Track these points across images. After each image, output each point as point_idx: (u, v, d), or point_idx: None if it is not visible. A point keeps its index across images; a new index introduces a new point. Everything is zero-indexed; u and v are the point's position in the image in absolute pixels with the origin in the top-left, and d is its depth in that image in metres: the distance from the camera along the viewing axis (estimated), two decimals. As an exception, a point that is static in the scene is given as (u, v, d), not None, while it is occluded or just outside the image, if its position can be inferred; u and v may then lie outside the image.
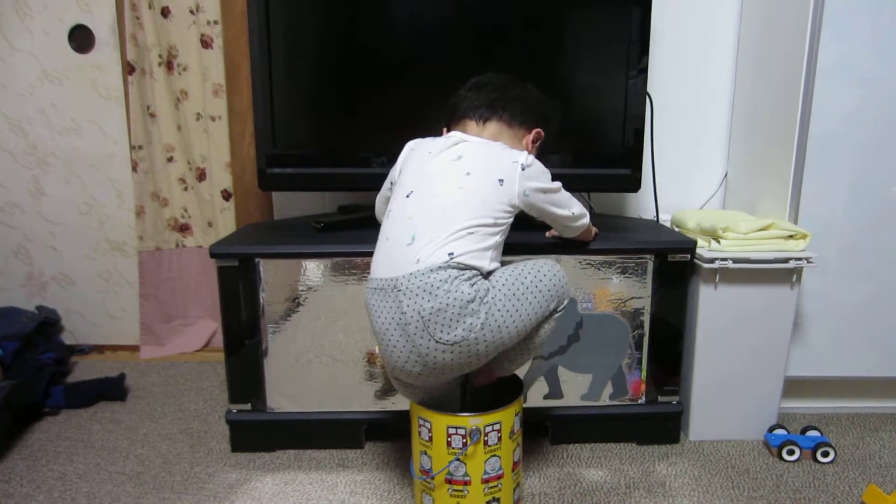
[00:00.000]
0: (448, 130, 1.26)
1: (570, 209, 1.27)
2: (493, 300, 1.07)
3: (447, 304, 1.04)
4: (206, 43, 1.98)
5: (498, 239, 1.13)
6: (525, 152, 1.18)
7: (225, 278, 1.44)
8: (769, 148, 1.66)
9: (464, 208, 1.11)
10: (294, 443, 1.53)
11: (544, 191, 1.19)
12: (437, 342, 1.05)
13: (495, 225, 1.12)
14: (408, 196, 1.15)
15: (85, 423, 1.68)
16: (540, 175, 1.18)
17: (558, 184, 1.22)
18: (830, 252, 1.56)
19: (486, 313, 1.06)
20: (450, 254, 1.06)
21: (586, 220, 1.33)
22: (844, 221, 1.55)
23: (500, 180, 1.13)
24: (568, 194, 1.26)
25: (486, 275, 1.10)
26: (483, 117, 1.23)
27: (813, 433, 1.53)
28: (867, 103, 1.49)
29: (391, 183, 1.27)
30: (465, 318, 1.05)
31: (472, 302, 1.05)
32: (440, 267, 1.05)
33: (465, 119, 1.24)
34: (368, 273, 1.40)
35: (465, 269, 1.07)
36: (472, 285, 1.06)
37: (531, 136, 1.27)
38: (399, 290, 1.07)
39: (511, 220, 1.17)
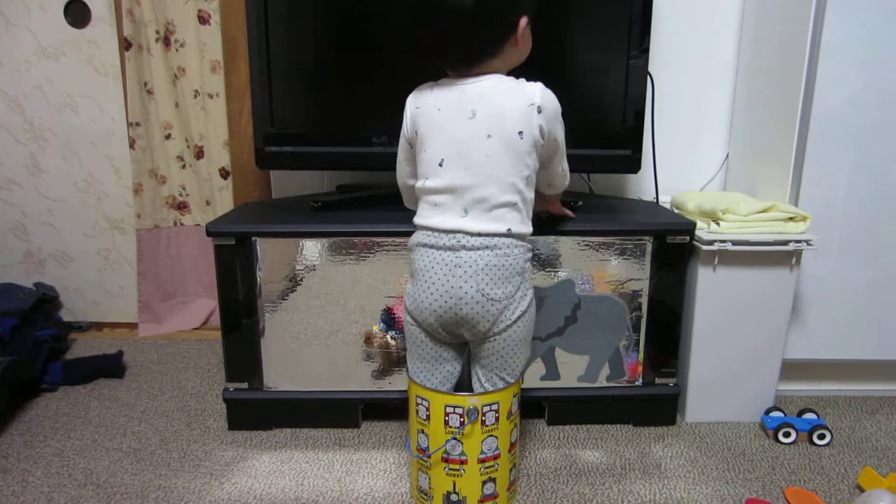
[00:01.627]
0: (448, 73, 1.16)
1: (564, 158, 1.24)
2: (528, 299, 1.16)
3: (504, 264, 1.09)
4: (203, 19, 1.96)
5: (532, 195, 1.14)
6: (537, 87, 1.10)
7: (222, 257, 1.43)
8: (771, 130, 1.65)
9: (497, 181, 1.09)
10: (291, 421, 1.54)
11: (558, 135, 1.15)
12: (479, 292, 1.09)
13: (528, 182, 1.12)
14: (441, 165, 1.11)
15: (83, 400, 1.69)
16: (557, 114, 1.13)
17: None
18: (831, 235, 1.55)
19: (522, 297, 1.14)
20: (508, 229, 1.10)
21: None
22: (845, 204, 1.54)
23: (520, 132, 1.09)
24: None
25: (529, 238, 1.15)
26: (468, 62, 1.11)
27: (809, 416, 1.53)
28: (871, 85, 1.48)
29: (409, 145, 1.20)
30: (512, 278, 1.11)
31: (522, 274, 1.13)
32: (500, 234, 1.10)
33: (455, 67, 1.14)
34: (365, 252, 1.39)
35: (521, 241, 1.13)
36: (525, 260, 1.14)
37: (519, 33, 1.10)
38: (459, 241, 1.10)
39: (537, 167, 1.15)
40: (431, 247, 1.12)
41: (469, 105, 1.10)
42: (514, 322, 1.13)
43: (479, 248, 1.09)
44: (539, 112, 1.08)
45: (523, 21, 1.09)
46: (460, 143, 1.10)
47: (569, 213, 1.43)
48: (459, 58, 1.11)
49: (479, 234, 1.09)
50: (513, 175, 1.09)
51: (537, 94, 1.09)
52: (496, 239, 1.09)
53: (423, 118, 1.14)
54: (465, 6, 1.04)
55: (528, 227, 1.14)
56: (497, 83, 1.11)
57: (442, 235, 1.11)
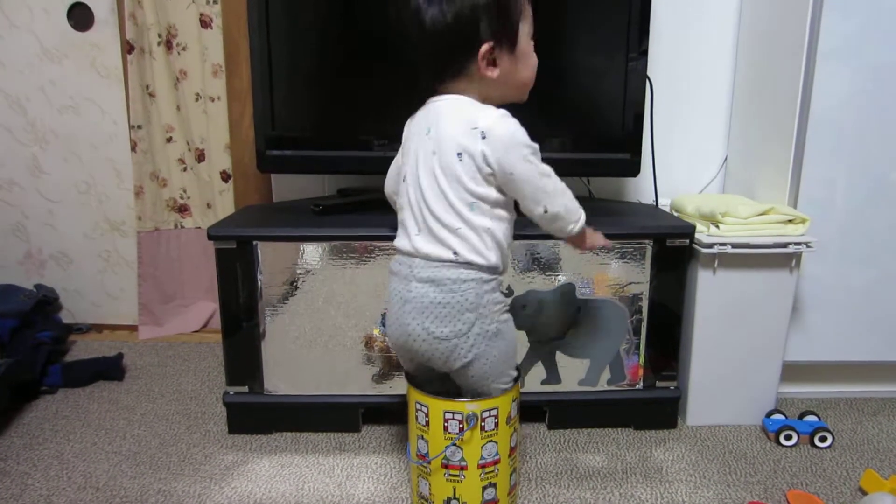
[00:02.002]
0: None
1: (550, 199, 1.07)
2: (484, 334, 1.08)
3: (449, 301, 1.05)
4: (205, 22, 1.96)
5: (488, 223, 1.05)
6: (488, 109, 1.04)
7: (223, 260, 1.43)
8: (769, 132, 1.65)
9: (441, 199, 1.04)
10: (291, 425, 1.53)
11: (515, 168, 1.02)
12: (425, 330, 1.06)
13: (476, 209, 1.04)
14: (404, 180, 1.11)
15: (82, 403, 1.69)
16: (510, 145, 1.02)
17: (536, 155, 1.05)
18: (830, 237, 1.55)
19: (479, 335, 1.07)
20: (454, 253, 1.04)
21: (575, 216, 1.11)
22: (844, 206, 1.54)
23: (458, 154, 1.02)
24: (551, 180, 1.07)
25: (490, 269, 1.06)
26: (431, 79, 1.08)
27: (811, 418, 1.53)
28: (868, 87, 1.48)
29: (402, 155, 1.18)
30: (461, 315, 1.06)
31: (475, 311, 1.06)
32: (446, 263, 1.05)
33: (425, 84, 1.10)
34: (366, 256, 1.39)
35: (474, 271, 1.05)
36: (477, 294, 1.05)
37: (479, 58, 1.03)
38: (412, 269, 1.07)
39: (500, 195, 1.06)
40: (394, 274, 1.12)
41: (427, 122, 1.08)
42: (471, 362, 1.08)
43: (425, 282, 1.05)
44: (483, 137, 1.01)
45: (483, 48, 1.02)
46: (417, 159, 1.08)
47: (601, 242, 1.20)
48: (424, 75, 1.08)
49: (427, 258, 1.05)
50: (454, 198, 1.03)
51: (485, 118, 1.02)
52: (443, 269, 1.04)
53: (407, 132, 1.15)
54: (425, 27, 1.01)
55: (483, 258, 1.05)
56: (456, 103, 1.07)
57: (402, 260, 1.10)
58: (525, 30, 1.06)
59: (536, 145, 1.05)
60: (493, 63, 1.04)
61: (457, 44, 1.02)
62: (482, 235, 1.05)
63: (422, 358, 1.11)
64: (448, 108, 1.07)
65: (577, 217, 1.11)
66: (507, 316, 1.13)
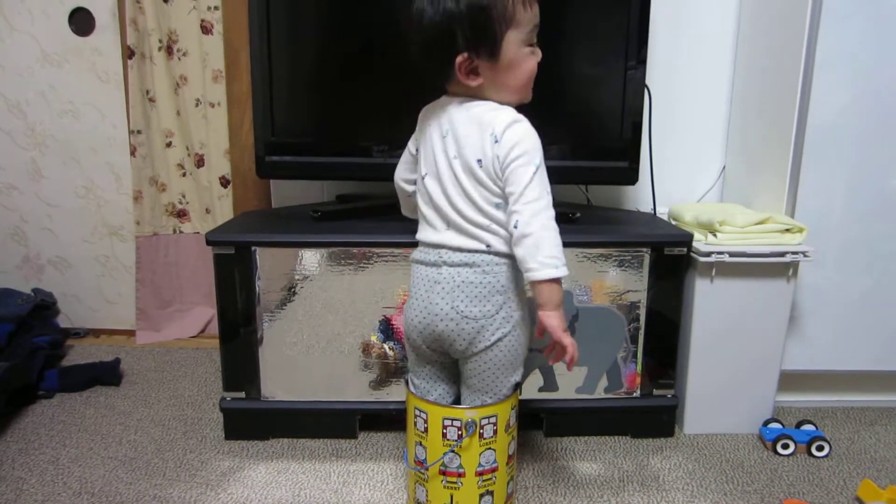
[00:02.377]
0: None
1: (533, 197, 1.02)
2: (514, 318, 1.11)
3: (482, 282, 1.07)
4: (206, 28, 1.97)
5: (499, 221, 1.08)
6: (502, 113, 1.05)
7: (221, 266, 1.43)
8: (767, 141, 1.66)
9: (467, 201, 1.07)
10: (288, 431, 1.53)
11: (515, 171, 1.03)
12: (454, 309, 1.08)
13: (504, 208, 1.06)
14: (423, 178, 1.12)
15: (79, 408, 1.68)
16: (514, 142, 1.03)
17: (534, 158, 1.03)
18: (827, 246, 1.55)
19: (505, 318, 1.09)
20: (487, 246, 1.07)
21: (547, 253, 1.01)
22: (842, 215, 1.55)
23: (479, 160, 1.05)
24: (542, 180, 1.04)
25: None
26: (434, 82, 1.10)
27: (808, 427, 1.53)
28: (866, 96, 1.49)
29: (416, 149, 1.19)
30: (492, 297, 1.08)
31: (504, 293, 1.08)
32: (480, 251, 1.07)
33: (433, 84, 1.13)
34: (364, 262, 1.39)
35: (505, 259, 1.08)
36: (509, 278, 1.09)
37: (455, 68, 1.04)
38: (441, 256, 1.09)
39: None
40: (420, 262, 1.13)
41: (440, 124, 1.10)
42: (494, 344, 1.10)
43: (458, 265, 1.07)
44: (496, 142, 1.03)
45: (458, 59, 1.02)
46: (437, 159, 1.10)
47: (566, 339, 1.06)
48: (426, 77, 1.10)
49: (460, 250, 1.08)
50: (479, 200, 1.06)
51: (500, 123, 1.04)
52: (476, 256, 1.07)
53: (421, 128, 1.17)
54: (413, 35, 1.05)
55: (506, 247, 1.07)
56: (468, 107, 1.08)
57: (429, 251, 1.11)
58: (514, 38, 1.03)
59: (540, 154, 1.04)
60: (474, 72, 1.05)
61: (435, 54, 1.05)
62: (500, 234, 1.08)
63: (445, 341, 1.11)
64: (461, 114, 1.08)
65: (548, 255, 1.01)
66: (527, 312, 1.14)
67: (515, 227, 1.02)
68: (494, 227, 1.07)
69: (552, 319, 1.05)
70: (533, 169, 1.03)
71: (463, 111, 1.08)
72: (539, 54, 1.08)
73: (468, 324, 1.08)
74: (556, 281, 1.03)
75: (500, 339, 1.10)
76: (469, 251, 1.07)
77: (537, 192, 1.02)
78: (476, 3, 1.00)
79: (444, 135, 1.09)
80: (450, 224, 1.09)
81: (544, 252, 1.01)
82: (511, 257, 1.07)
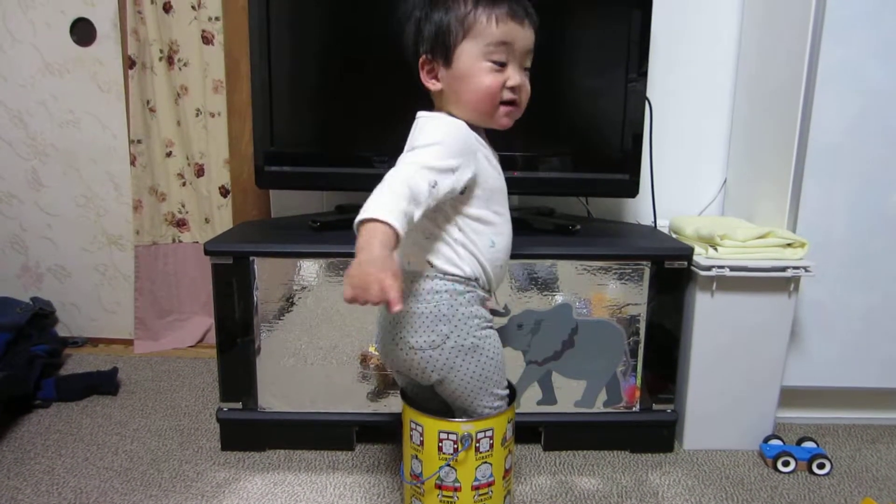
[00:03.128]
0: None
1: (410, 159, 0.95)
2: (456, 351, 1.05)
3: (423, 311, 1.03)
4: (206, 39, 1.98)
5: (456, 233, 1.03)
6: (428, 117, 1.04)
7: (219, 276, 1.43)
8: (769, 155, 1.65)
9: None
10: (285, 443, 1.52)
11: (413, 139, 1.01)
12: (402, 339, 1.04)
13: (444, 215, 1.02)
14: None
15: (75, 417, 1.67)
16: (421, 128, 1.02)
17: (425, 142, 0.97)
18: (829, 261, 1.54)
19: (454, 350, 1.05)
20: (431, 264, 1.03)
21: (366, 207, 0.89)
22: (843, 230, 1.54)
23: None
24: (423, 154, 0.95)
25: (465, 280, 1.04)
26: (420, 84, 1.07)
27: (809, 444, 1.52)
28: (868, 111, 1.48)
29: None
30: (435, 326, 1.03)
31: (450, 322, 1.04)
32: (421, 273, 1.04)
33: None
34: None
35: (445, 278, 1.04)
36: (450, 306, 1.04)
37: (421, 71, 1.05)
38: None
39: (462, 203, 1.02)
40: None
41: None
42: (447, 377, 1.06)
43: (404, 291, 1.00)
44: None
45: (421, 59, 1.03)
46: None
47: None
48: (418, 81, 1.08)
49: (407, 268, 1.04)
50: None
51: (419, 118, 1.05)
52: (419, 279, 1.03)
53: None
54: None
55: (457, 268, 1.03)
56: (425, 114, 1.06)
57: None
58: (471, 48, 0.99)
59: (442, 141, 0.97)
60: (434, 76, 1.04)
61: (409, 51, 1.06)
62: (453, 245, 1.04)
63: (403, 369, 1.09)
64: (416, 123, 1.05)
65: (371, 199, 0.89)
66: (489, 332, 1.09)
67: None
68: (434, 239, 1.03)
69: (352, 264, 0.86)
70: (417, 152, 0.96)
71: (417, 119, 1.05)
72: (510, 76, 1.00)
73: (416, 354, 1.05)
74: (365, 222, 0.87)
75: (452, 371, 1.06)
76: (413, 271, 1.04)
77: (417, 157, 0.95)
78: (438, 4, 1.01)
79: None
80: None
81: (372, 196, 0.90)
82: (455, 279, 1.04)
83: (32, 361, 1.77)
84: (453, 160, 0.97)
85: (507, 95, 1.02)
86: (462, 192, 1.01)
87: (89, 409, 1.72)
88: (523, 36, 1.01)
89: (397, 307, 0.84)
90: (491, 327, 1.10)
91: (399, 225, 0.86)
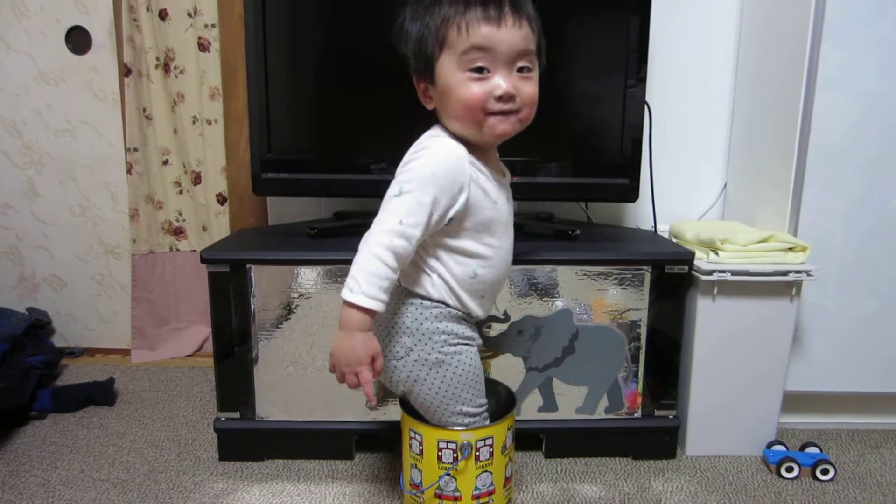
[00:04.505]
0: None
1: (381, 219, 0.95)
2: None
3: (389, 321, 1.04)
4: (203, 46, 1.97)
5: (434, 262, 1.02)
6: (429, 139, 1.01)
7: (216, 284, 1.41)
8: (769, 159, 1.65)
9: None
10: (283, 453, 1.50)
11: (396, 175, 0.98)
12: (383, 348, 1.04)
13: (424, 247, 1.02)
14: None
15: (71, 428, 1.65)
16: (406, 162, 0.98)
17: (405, 185, 0.94)
18: (831, 265, 1.53)
19: (417, 364, 1.04)
20: (399, 281, 1.04)
21: (353, 275, 0.93)
22: (845, 234, 1.53)
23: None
24: (401, 206, 0.93)
25: (434, 300, 1.03)
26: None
27: (812, 450, 1.51)
28: (868, 115, 1.48)
29: None
30: (398, 337, 1.04)
31: (412, 335, 1.03)
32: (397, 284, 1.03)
33: None
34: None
35: (411, 294, 1.04)
36: (414, 320, 1.03)
37: (417, 89, 1.04)
38: None
39: (445, 235, 1.01)
40: None
41: None
42: (413, 389, 1.06)
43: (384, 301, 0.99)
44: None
45: (414, 80, 1.03)
46: None
47: (330, 363, 1.01)
48: None
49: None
50: None
51: (414, 145, 1.01)
52: (397, 294, 1.04)
53: None
54: None
55: (424, 290, 1.03)
56: (423, 137, 1.04)
57: None
58: (448, 61, 0.95)
59: (422, 187, 0.94)
60: (428, 94, 1.02)
61: (410, 72, 1.03)
62: (427, 272, 1.03)
63: (384, 378, 1.09)
64: (417, 143, 1.03)
65: (353, 274, 0.93)
66: (461, 349, 1.06)
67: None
68: (419, 264, 1.03)
69: (336, 339, 0.96)
70: (396, 191, 0.95)
71: (419, 141, 1.03)
72: (497, 85, 0.94)
73: (388, 362, 1.05)
74: (349, 305, 0.93)
75: (415, 384, 1.06)
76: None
77: (388, 217, 0.94)
78: (413, 24, 0.98)
79: None
80: None
81: (352, 270, 0.94)
82: (421, 297, 1.03)
83: (28, 372, 1.75)
84: (433, 200, 0.94)
85: (495, 107, 0.95)
86: (449, 223, 0.99)
87: (86, 420, 1.71)
88: (506, 37, 0.92)
89: (372, 402, 0.89)
90: (467, 345, 1.07)
91: (378, 305, 0.93)
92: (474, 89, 0.94)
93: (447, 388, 1.06)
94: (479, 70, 0.94)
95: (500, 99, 0.95)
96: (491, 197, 1.02)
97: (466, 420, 1.09)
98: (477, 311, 1.08)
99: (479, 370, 1.10)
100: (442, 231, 1.00)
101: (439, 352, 1.04)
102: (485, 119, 0.96)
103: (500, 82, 0.94)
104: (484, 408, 1.12)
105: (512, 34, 0.93)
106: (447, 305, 1.04)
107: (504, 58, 0.94)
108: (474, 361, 1.08)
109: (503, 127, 0.97)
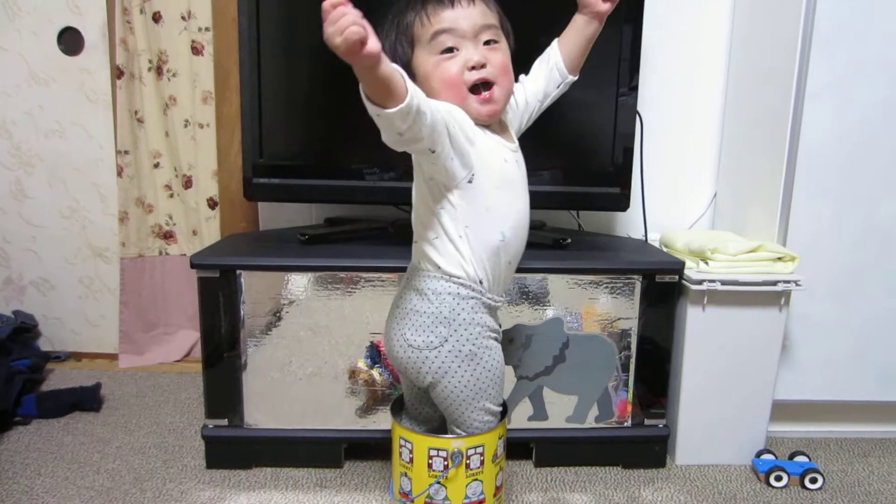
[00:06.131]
0: None
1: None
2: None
3: (425, 310, 1.04)
4: (196, 49, 1.96)
5: (443, 231, 1.02)
6: None
7: (205, 289, 1.40)
8: (759, 169, 1.65)
9: (417, 205, 1.07)
10: (271, 460, 1.49)
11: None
12: (402, 337, 1.06)
13: (439, 217, 1.02)
14: None
15: (56, 434, 1.63)
16: None
17: None
18: (819, 275, 1.54)
19: (451, 354, 1.05)
20: (437, 266, 1.03)
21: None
22: (833, 244, 1.54)
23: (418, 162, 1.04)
24: None
25: (469, 284, 1.03)
26: None
27: (801, 459, 1.51)
28: (857, 125, 1.49)
29: None
30: (435, 327, 1.04)
31: (449, 325, 1.04)
32: (430, 273, 1.04)
33: None
34: (352, 287, 1.37)
35: (450, 280, 1.03)
36: (452, 310, 1.03)
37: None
38: (410, 279, 1.09)
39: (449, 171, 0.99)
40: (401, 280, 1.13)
41: None
42: (440, 380, 1.06)
43: (412, 290, 1.05)
44: None
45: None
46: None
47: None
48: None
49: (416, 268, 1.07)
50: (420, 205, 1.06)
51: None
52: (426, 280, 1.04)
53: None
54: None
55: (453, 267, 1.03)
56: None
57: (409, 267, 1.11)
58: (422, 54, 1.01)
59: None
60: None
61: None
62: (458, 246, 1.02)
63: (400, 367, 1.09)
64: None
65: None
66: (492, 344, 1.08)
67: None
68: (438, 240, 1.03)
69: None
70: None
71: None
72: (468, 57, 0.99)
73: (413, 353, 1.05)
74: None
75: (446, 375, 1.05)
76: (422, 270, 1.05)
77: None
78: (387, 41, 1.02)
79: None
80: (415, 236, 1.08)
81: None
82: (459, 283, 1.03)
83: (13, 377, 1.73)
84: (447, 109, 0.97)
85: (471, 77, 1.00)
86: (463, 176, 1.00)
87: (71, 426, 1.69)
88: (465, 15, 0.99)
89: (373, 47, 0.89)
90: (496, 339, 1.10)
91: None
92: (449, 66, 1.00)
93: (476, 381, 1.07)
94: (450, 50, 1.00)
95: (473, 69, 0.99)
96: (499, 155, 1.05)
97: (486, 417, 1.10)
98: (503, 283, 1.09)
99: (504, 368, 1.12)
100: (461, 197, 1.00)
101: (473, 343, 1.05)
102: (467, 97, 1.01)
103: (470, 54, 1.00)
104: (501, 408, 1.14)
105: (469, 12, 1.00)
106: (478, 289, 1.04)
107: (468, 34, 1.00)
108: (502, 358, 1.11)
109: (487, 108, 1.02)
